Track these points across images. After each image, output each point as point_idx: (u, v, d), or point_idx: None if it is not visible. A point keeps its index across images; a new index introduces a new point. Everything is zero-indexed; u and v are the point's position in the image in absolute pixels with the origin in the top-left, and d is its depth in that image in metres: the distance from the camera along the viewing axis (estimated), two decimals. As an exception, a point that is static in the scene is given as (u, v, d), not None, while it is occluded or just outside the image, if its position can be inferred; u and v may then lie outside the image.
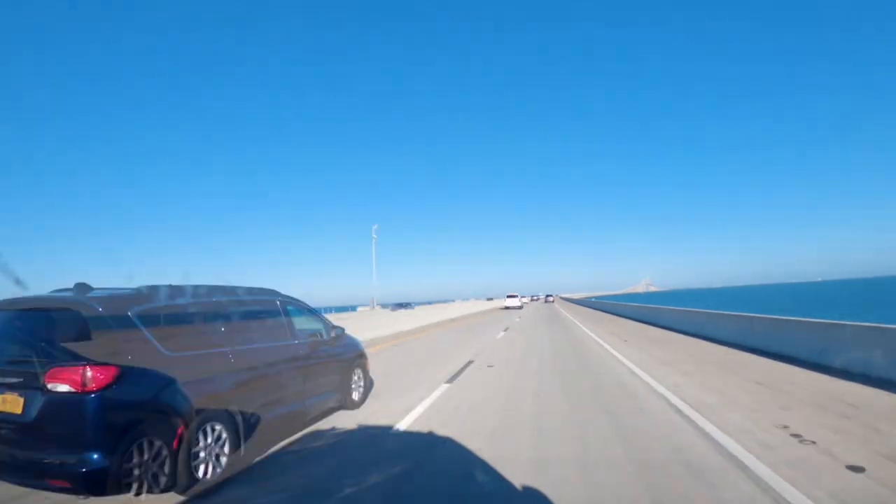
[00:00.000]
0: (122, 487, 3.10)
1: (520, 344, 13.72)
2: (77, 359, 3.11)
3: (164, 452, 3.34)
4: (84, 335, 3.22)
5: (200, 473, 3.65)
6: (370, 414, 5.85)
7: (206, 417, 3.70)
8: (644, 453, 4.10)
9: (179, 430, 3.43)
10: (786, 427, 4.63)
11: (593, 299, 65.21)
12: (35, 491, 3.43)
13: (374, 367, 7.66)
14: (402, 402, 6.35)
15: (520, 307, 46.92)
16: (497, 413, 5.69)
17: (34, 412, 3.06)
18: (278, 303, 5.18)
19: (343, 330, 6.19)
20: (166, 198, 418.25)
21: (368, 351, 7.23)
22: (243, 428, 4.03)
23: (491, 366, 9.54)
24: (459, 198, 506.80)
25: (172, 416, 3.42)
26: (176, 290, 4.01)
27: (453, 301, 60.80)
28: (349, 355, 6.17)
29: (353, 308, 44.30)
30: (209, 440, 3.75)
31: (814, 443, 4.16)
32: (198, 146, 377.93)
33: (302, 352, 5.15)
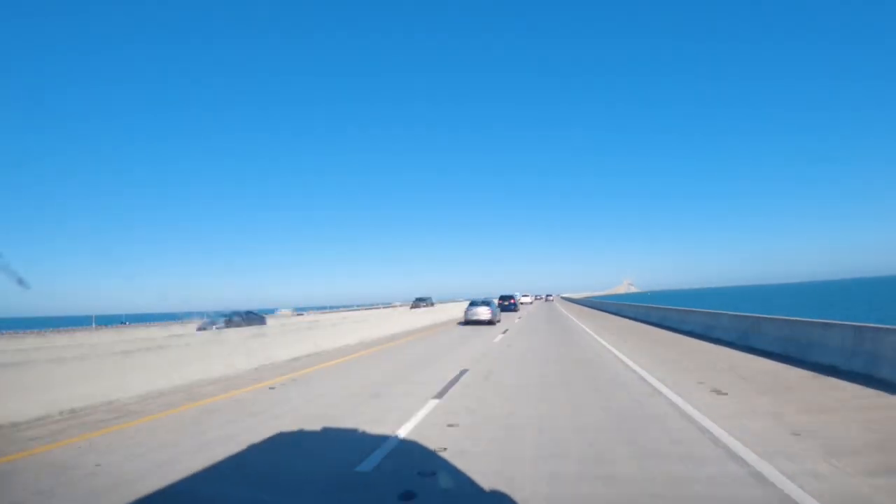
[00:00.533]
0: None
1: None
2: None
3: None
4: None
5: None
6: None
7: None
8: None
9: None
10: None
11: (595, 299, 72.98)
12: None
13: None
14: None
15: (530, 302, 68.88)
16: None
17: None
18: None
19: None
20: (166, 199, 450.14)
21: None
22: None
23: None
24: (457, 199, 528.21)
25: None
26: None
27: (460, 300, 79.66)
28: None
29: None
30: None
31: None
32: (197, 146, 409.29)
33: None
